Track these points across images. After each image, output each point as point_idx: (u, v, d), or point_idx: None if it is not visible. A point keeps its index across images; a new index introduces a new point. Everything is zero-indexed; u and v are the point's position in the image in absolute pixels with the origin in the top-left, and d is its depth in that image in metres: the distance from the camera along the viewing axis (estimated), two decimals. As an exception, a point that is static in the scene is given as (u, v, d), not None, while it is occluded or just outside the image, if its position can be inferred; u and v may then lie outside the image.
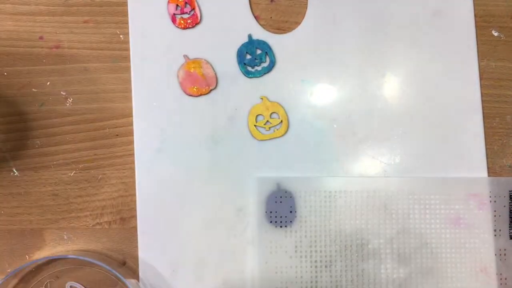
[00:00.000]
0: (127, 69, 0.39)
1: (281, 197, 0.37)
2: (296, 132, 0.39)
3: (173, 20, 0.39)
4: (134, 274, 0.37)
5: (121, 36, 0.39)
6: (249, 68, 0.39)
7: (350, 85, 0.39)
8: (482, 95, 0.39)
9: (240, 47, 0.39)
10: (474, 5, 0.40)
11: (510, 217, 0.38)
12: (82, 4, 0.39)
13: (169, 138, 0.38)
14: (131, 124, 0.39)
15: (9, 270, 0.37)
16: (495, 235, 0.37)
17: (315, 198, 0.37)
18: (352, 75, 0.39)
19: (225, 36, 0.39)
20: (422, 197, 0.38)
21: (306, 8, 0.40)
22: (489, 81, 0.40)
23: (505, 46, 0.40)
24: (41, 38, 0.39)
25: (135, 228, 0.38)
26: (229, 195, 0.38)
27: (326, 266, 0.37)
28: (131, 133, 0.38)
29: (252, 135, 0.38)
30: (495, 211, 0.38)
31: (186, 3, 0.39)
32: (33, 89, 0.39)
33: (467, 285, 0.37)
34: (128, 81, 0.39)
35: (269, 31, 0.40)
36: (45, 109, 0.39)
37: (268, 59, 0.39)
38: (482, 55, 0.40)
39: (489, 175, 0.38)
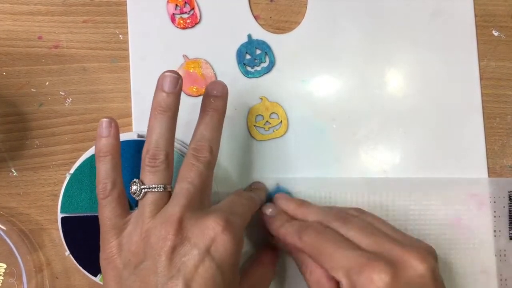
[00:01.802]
0: (126, 69, 0.39)
1: None
2: (295, 132, 0.38)
3: (173, 20, 0.39)
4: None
5: (120, 36, 0.39)
6: (249, 68, 0.39)
7: (350, 85, 0.39)
8: (482, 95, 0.39)
9: (240, 47, 0.39)
10: (474, 4, 0.40)
11: (510, 218, 0.38)
12: (81, 4, 0.39)
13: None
14: (130, 124, 0.38)
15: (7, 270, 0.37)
16: (495, 236, 0.37)
17: (315, 199, 0.37)
18: (352, 75, 0.39)
19: (225, 36, 0.39)
20: (422, 197, 0.38)
21: (306, 8, 0.40)
22: (489, 81, 0.39)
23: (506, 46, 0.40)
24: (40, 38, 0.39)
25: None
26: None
27: None
28: (130, 133, 0.38)
29: (252, 135, 0.38)
30: (495, 211, 0.37)
31: (185, 2, 0.39)
32: (32, 89, 0.39)
33: (467, 286, 0.37)
34: (127, 81, 0.39)
35: (269, 31, 0.39)
36: (44, 109, 0.39)
37: (267, 59, 0.39)
38: (482, 55, 0.40)
39: (489, 176, 0.38)
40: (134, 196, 0.29)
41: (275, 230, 0.33)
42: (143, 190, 0.28)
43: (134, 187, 0.29)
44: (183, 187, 0.28)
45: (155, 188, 0.28)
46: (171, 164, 0.30)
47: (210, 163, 0.30)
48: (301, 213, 0.33)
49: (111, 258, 0.28)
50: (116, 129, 0.31)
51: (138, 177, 0.30)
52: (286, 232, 0.32)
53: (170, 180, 0.29)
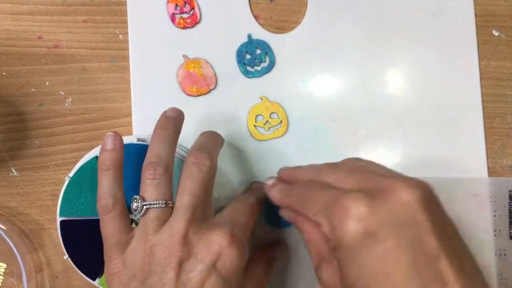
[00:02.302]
0: (126, 69, 0.39)
1: None
2: (295, 132, 0.38)
3: (173, 19, 0.39)
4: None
5: (120, 35, 0.39)
6: (249, 68, 0.39)
7: (350, 85, 0.39)
8: (482, 95, 0.39)
9: (240, 47, 0.39)
10: (475, 4, 0.40)
11: (510, 217, 0.38)
12: (81, 4, 0.39)
13: (169, 138, 0.38)
14: (130, 124, 0.38)
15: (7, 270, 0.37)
16: (495, 235, 0.37)
17: None
18: (352, 74, 0.39)
19: (225, 35, 0.39)
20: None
21: (306, 7, 0.40)
22: (489, 81, 0.39)
23: (506, 46, 0.40)
24: (40, 37, 0.39)
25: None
26: (228, 196, 0.38)
27: None
28: (130, 133, 0.38)
29: (252, 135, 0.38)
30: (495, 211, 0.38)
31: (185, 2, 0.39)
32: (32, 89, 0.39)
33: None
34: (127, 81, 0.39)
35: (269, 30, 0.39)
36: (44, 109, 0.39)
37: (267, 59, 0.39)
38: (482, 55, 0.39)
39: (489, 175, 0.38)
40: (135, 213, 0.28)
41: (272, 198, 0.31)
42: (144, 207, 0.28)
43: (135, 204, 0.28)
44: (185, 199, 0.28)
45: (156, 204, 0.28)
46: (171, 178, 0.29)
47: (211, 171, 0.30)
48: (294, 175, 0.31)
49: (116, 274, 0.28)
50: (121, 143, 0.30)
51: (137, 181, 0.29)
52: (277, 195, 0.31)
53: (171, 195, 0.29)
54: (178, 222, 0.27)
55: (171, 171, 0.29)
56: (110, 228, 0.28)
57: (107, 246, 0.29)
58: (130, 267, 0.27)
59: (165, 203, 0.28)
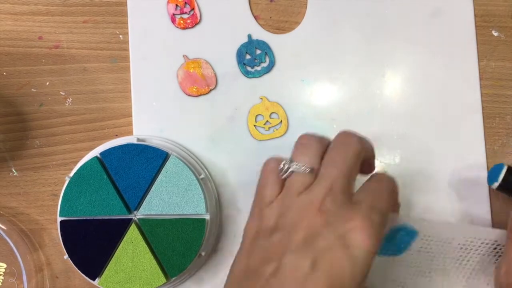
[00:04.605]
0: (127, 69, 0.39)
1: None
2: (295, 132, 0.38)
3: (173, 20, 0.39)
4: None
5: (120, 36, 0.39)
6: (249, 68, 0.39)
7: (350, 85, 0.39)
8: (482, 95, 0.39)
9: (240, 47, 0.39)
10: (474, 4, 0.40)
11: None
12: (81, 4, 0.39)
13: (169, 139, 0.38)
14: (130, 124, 0.38)
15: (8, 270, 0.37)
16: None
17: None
18: (352, 75, 0.39)
19: (225, 36, 0.39)
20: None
21: (306, 8, 0.40)
22: (489, 81, 0.39)
23: (505, 46, 0.40)
24: (40, 38, 0.39)
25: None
26: (229, 195, 0.38)
27: None
28: (130, 133, 0.38)
29: (252, 135, 0.38)
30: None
31: (185, 3, 0.39)
32: (32, 89, 0.39)
33: None
34: (127, 81, 0.39)
35: (269, 31, 0.39)
36: (44, 109, 0.39)
37: (267, 59, 0.39)
38: (482, 55, 0.40)
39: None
40: (281, 173, 0.29)
41: None
42: (289, 169, 0.29)
43: (282, 166, 0.29)
44: (329, 170, 0.28)
45: (302, 168, 0.28)
46: (321, 154, 0.29)
47: (360, 153, 0.29)
48: None
49: (249, 227, 0.29)
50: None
51: (137, 181, 0.30)
52: None
53: (318, 164, 0.29)
54: (319, 189, 0.28)
55: (323, 151, 0.30)
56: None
57: (254, 202, 0.30)
58: (265, 223, 0.28)
59: (310, 170, 0.28)
